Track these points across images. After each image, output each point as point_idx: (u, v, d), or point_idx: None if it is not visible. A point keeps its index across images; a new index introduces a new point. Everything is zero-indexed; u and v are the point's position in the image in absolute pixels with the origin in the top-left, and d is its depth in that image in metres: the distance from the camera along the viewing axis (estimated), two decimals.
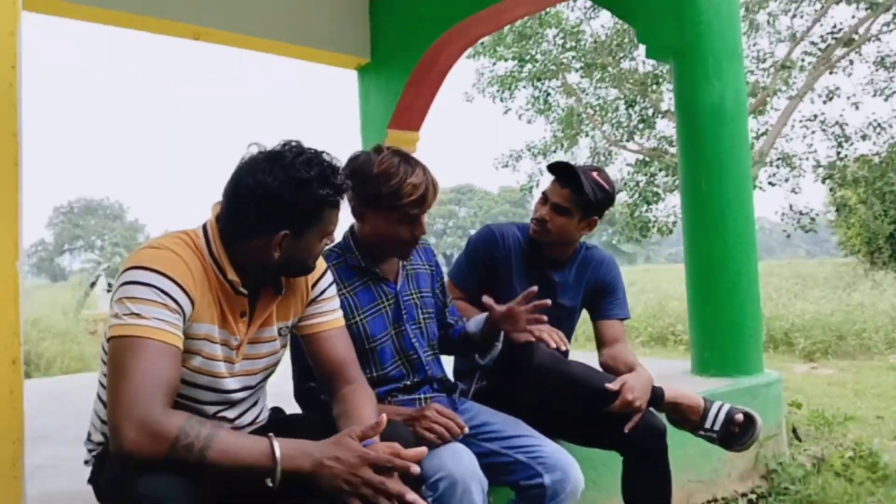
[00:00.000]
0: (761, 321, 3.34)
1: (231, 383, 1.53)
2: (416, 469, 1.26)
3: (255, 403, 1.66)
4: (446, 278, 2.24)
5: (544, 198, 2.24)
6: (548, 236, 2.22)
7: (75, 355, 8.26)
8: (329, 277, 1.70)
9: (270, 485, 1.23)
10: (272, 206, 1.40)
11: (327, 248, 1.82)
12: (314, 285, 1.65)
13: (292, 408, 1.86)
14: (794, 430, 3.61)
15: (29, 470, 1.68)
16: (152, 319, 1.31)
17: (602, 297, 2.32)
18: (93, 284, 12.09)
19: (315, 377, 1.69)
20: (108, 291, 11.85)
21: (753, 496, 2.92)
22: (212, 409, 1.53)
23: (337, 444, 1.26)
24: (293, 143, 1.46)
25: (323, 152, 1.47)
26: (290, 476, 1.24)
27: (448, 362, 2.15)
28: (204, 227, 1.50)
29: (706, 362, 3.28)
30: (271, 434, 1.28)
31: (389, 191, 1.77)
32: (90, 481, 1.57)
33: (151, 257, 1.38)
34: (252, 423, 1.64)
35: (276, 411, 1.79)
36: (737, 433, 2.06)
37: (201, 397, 1.50)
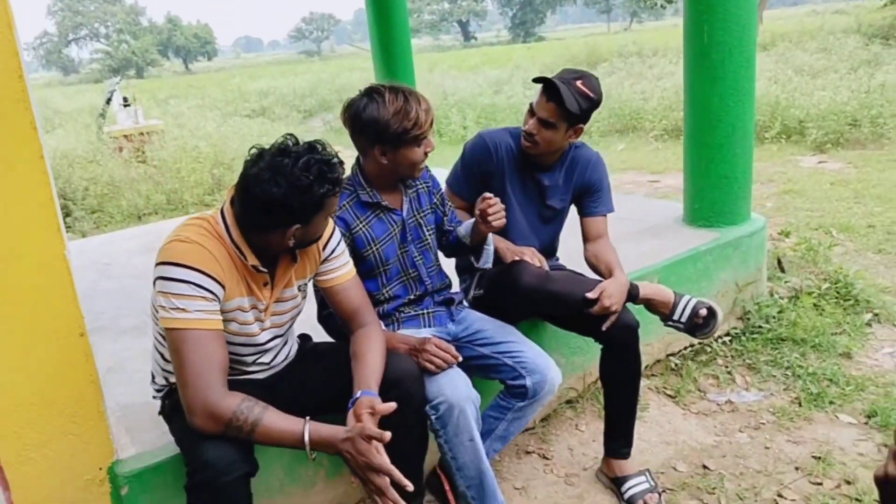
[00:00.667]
0: (751, 174, 3.45)
1: (263, 337, 1.83)
2: (387, 436, 1.56)
3: (284, 344, 1.97)
4: (444, 187, 2.41)
5: (531, 111, 2.32)
6: (537, 148, 2.33)
7: (106, 181, 8.59)
8: (337, 236, 1.92)
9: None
10: (281, 211, 1.60)
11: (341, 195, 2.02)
12: (324, 247, 1.88)
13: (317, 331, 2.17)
14: (778, 262, 3.88)
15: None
16: (195, 312, 1.59)
17: (588, 195, 2.48)
18: (108, 101, 12.03)
19: None
20: (126, 106, 11.89)
21: (728, 338, 3.28)
22: (250, 359, 1.85)
23: (353, 440, 1.56)
24: (291, 147, 1.61)
25: (317, 146, 1.64)
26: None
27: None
28: (221, 213, 1.71)
29: (696, 213, 3.48)
30: (308, 418, 1.59)
31: (410, 125, 1.94)
32: (160, 413, 1.93)
33: (183, 253, 1.61)
34: (285, 359, 1.97)
35: (304, 339, 2.13)
36: (700, 324, 2.32)
37: (240, 352, 1.82)
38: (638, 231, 3.55)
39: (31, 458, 1.81)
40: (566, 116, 2.25)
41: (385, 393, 1.81)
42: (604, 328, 2.23)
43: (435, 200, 2.27)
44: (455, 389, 1.93)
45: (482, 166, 2.41)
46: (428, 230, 2.22)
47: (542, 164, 2.43)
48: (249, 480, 1.61)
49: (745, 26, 3.21)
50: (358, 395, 1.70)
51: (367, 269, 2.11)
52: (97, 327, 2.96)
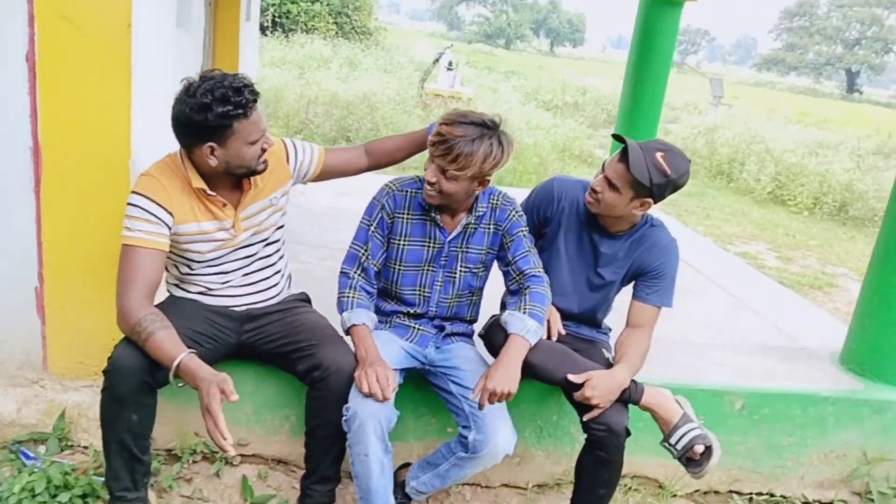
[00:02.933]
0: None
1: (242, 238, 2.10)
2: (234, 398, 1.71)
3: (278, 272, 2.26)
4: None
5: (603, 167, 2.17)
6: (597, 207, 2.19)
7: (395, 128, 9.55)
8: (296, 147, 2.20)
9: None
10: (189, 126, 1.87)
11: (407, 178, 2.22)
12: (287, 161, 2.18)
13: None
14: None
15: None
16: (136, 231, 1.90)
17: (644, 278, 2.27)
18: (436, 60, 13.25)
19: (355, 269, 2.19)
20: (449, 69, 13.00)
21: None
22: (239, 273, 2.15)
23: (209, 383, 1.73)
24: (208, 75, 1.86)
25: (235, 76, 1.87)
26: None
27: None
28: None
29: (849, 352, 2.90)
30: (192, 352, 1.81)
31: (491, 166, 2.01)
32: None
33: (139, 184, 1.96)
34: (272, 290, 2.24)
35: (302, 297, 2.36)
36: (693, 459, 2.06)
37: (228, 268, 2.12)
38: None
39: (64, 308, 2.28)
40: (633, 183, 2.07)
41: (313, 371, 2.03)
42: (584, 419, 2.06)
43: (499, 242, 2.20)
44: (363, 401, 1.95)
45: (541, 210, 2.32)
46: (462, 267, 2.21)
47: (607, 229, 2.26)
48: (150, 388, 1.87)
49: None
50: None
51: (387, 257, 2.20)
52: None
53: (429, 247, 2.19)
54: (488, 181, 2.08)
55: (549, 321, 2.21)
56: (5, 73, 2.06)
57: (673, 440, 2.07)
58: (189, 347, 1.88)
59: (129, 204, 1.92)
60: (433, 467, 2.19)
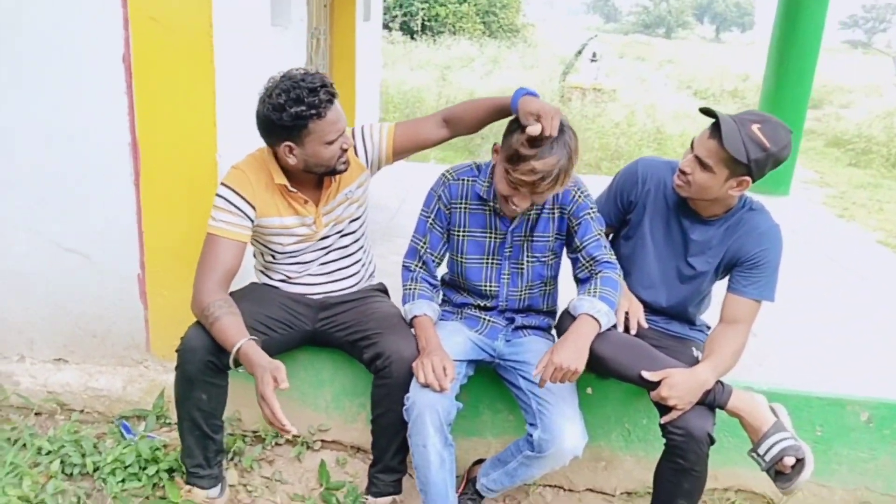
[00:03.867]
0: None
1: (322, 233, 2.13)
2: (284, 386, 1.75)
3: (357, 261, 2.27)
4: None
5: (692, 146, 1.96)
6: (688, 190, 1.99)
7: None
8: (358, 134, 2.14)
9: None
10: (267, 126, 1.91)
11: (464, 166, 2.15)
12: (356, 153, 2.14)
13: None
14: None
15: None
16: (219, 222, 1.98)
17: (741, 267, 2.03)
18: (579, 53, 12.91)
19: (416, 262, 2.17)
20: (593, 61, 12.64)
21: None
22: (316, 262, 2.19)
23: (265, 370, 1.77)
24: (288, 74, 1.88)
25: (309, 77, 1.87)
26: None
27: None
28: None
29: None
30: (253, 338, 1.85)
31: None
32: None
33: (228, 176, 2.03)
34: (344, 294, 2.24)
35: (380, 287, 2.38)
36: (782, 472, 1.82)
37: (306, 258, 2.17)
38: None
39: (163, 294, 2.43)
40: (727, 161, 1.86)
41: (376, 360, 2.02)
42: (662, 421, 1.88)
43: (566, 226, 2.08)
44: (422, 391, 1.90)
45: (624, 194, 2.15)
46: (529, 256, 2.11)
47: (699, 213, 2.06)
48: (217, 369, 1.94)
49: None
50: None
51: (450, 249, 2.16)
52: None
53: (491, 237, 2.10)
54: None
55: (627, 313, 2.04)
56: (105, 73, 2.24)
57: (761, 450, 1.84)
58: (263, 334, 1.95)
59: (216, 195, 2.00)
60: (503, 465, 2.11)
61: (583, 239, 2.04)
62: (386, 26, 18.57)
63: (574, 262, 2.10)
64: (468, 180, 2.09)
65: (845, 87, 16.37)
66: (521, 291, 2.14)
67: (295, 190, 2.02)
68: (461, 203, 2.10)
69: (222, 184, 2.00)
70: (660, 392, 1.84)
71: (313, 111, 1.85)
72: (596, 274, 2.01)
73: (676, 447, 1.87)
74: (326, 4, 4.13)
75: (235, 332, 1.86)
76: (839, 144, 10.96)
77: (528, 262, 2.11)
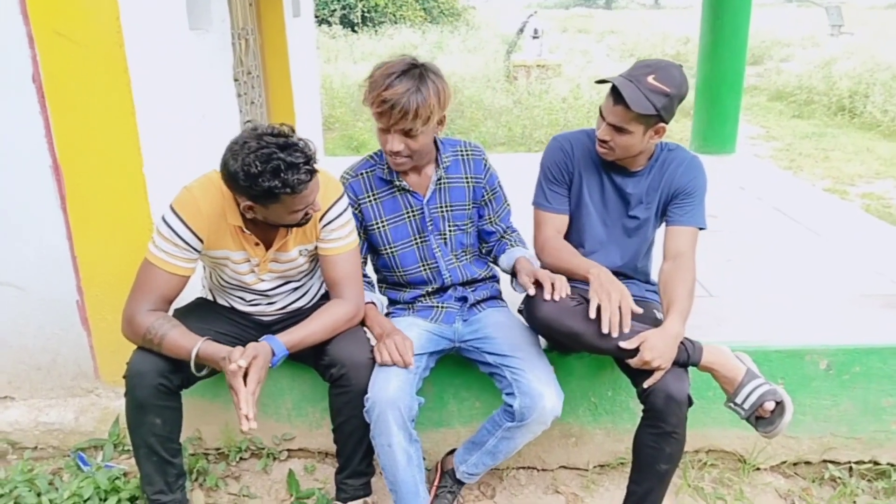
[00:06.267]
0: None
1: (263, 286, 2.02)
2: (244, 363, 1.72)
3: (296, 292, 2.12)
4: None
5: (601, 114, 1.99)
6: (614, 154, 2.06)
7: (482, 105, 9.41)
8: (339, 208, 1.97)
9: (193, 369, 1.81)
10: (232, 183, 1.73)
11: (357, 162, 2.13)
12: (321, 219, 1.95)
13: None
14: None
15: None
16: (160, 252, 1.85)
17: (676, 201, 2.11)
18: (520, 31, 12.90)
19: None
20: (535, 38, 12.64)
21: None
22: (250, 305, 2.08)
23: (226, 360, 1.74)
24: (272, 133, 1.69)
25: (296, 144, 1.69)
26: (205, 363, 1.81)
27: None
28: None
29: None
30: (205, 338, 1.80)
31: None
32: None
33: (178, 199, 1.87)
34: (297, 311, 2.13)
35: (325, 297, 2.23)
36: (763, 417, 1.85)
37: (243, 297, 2.06)
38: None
39: (106, 318, 2.34)
40: (639, 118, 1.91)
41: (331, 368, 1.95)
42: (644, 386, 1.87)
43: (481, 197, 2.17)
44: (381, 390, 1.86)
45: (561, 169, 2.16)
46: (451, 225, 2.13)
47: (628, 168, 2.11)
48: (169, 391, 1.86)
49: None
50: (264, 338, 1.85)
51: (374, 244, 2.14)
52: None
53: (409, 216, 2.10)
54: (445, 117, 2.00)
55: (553, 284, 1.98)
56: (16, 95, 2.12)
57: (739, 399, 1.87)
58: None
59: (162, 218, 1.86)
60: (479, 446, 2.08)
61: (497, 209, 2.21)
62: (325, 21, 18.33)
63: (488, 234, 2.21)
64: (366, 172, 2.10)
65: (783, 41, 16.65)
66: (454, 260, 2.16)
67: (248, 231, 1.90)
68: (368, 196, 2.09)
69: (171, 207, 1.85)
70: (642, 357, 1.81)
71: (288, 189, 1.68)
72: (508, 239, 2.23)
73: (658, 411, 1.86)
74: (252, 3, 4.02)
75: (188, 340, 1.80)
76: (782, 98, 11.17)
77: (450, 231, 2.13)
